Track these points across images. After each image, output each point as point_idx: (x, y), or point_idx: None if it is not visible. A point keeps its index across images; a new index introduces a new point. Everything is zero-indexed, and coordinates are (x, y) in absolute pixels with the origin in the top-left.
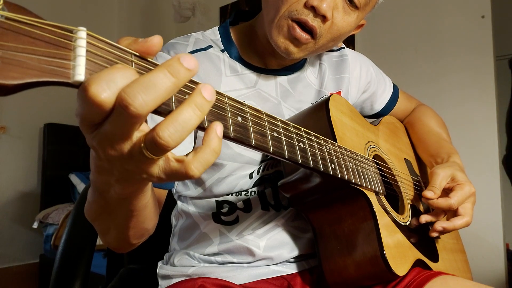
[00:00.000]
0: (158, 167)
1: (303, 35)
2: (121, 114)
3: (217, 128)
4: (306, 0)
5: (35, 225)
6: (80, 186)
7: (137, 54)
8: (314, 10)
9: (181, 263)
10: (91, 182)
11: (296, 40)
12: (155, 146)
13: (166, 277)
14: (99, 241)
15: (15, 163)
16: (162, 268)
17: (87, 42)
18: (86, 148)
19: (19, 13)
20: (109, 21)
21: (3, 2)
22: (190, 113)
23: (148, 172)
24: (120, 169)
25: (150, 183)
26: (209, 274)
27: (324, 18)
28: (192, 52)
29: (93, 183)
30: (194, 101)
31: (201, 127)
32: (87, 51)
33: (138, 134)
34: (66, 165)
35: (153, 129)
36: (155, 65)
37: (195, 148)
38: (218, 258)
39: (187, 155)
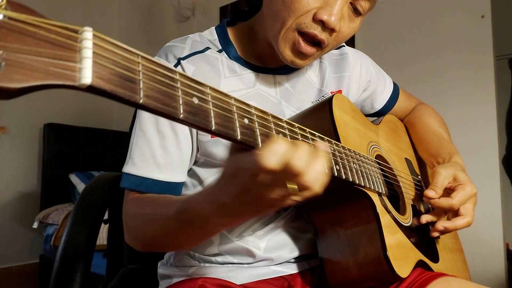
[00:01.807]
0: (288, 201)
1: (309, 50)
2: (289, 173)
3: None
4: (314, 14)
5: (35, 225)
6: (80, 186)
7: (144, 55)
8: (322, 23)
9: (182, 263)
10: (197, 215)
11: (302, 54)
12: (302, 187)
13: (166, 277)
14: (99, 241)
15: (15, 163)
16: (162, 268)
17: (93, 43)
18: (86, 148)
19: (23, 12)
20: (110, 21)
21: (6, 1)
22: (321, 164)
23: (284, 201)
24: (267, 202)
25: None
26: (210, 274)
27: (332, 31)
28: (189, 55)
29: (206, 214)
30: (320, 156)
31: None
32: (93, 52)
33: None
34: (66, 165)
35: (300, 177)
36: (164, 66)
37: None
38: (219, 258)
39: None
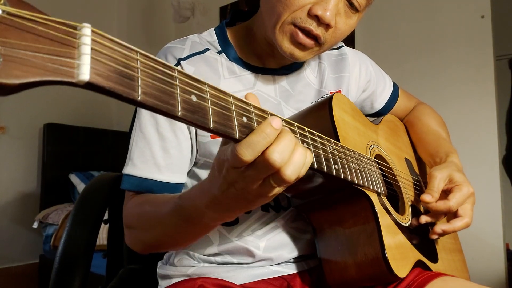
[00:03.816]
0: (274, 192)
1: (308, 41)
2: (266, 166)
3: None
4: (309, 9)
5: (35, 226)
6: (80, 186)
7: (142, 52)
8: (317, 18)
9: (181, 263)
10: (195, 208)
11: (301, 45)
12: (280, 180)
13: (166, 277)
14: (99, 241)
15: (15, 163)
16: (162, 268)
17: (92, 39)
18: (86, 148)
19: (22, 8)
20: (109, 21)
21: None
22: (299, 158)
23: (268, 194)
24: (253, 194)
25: None
26: (209, 274)
27: (327, 26)
28: (189, 56)
29: (205, 210)
30: (299, 149)
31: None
32: (91, 49)
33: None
34: (66, 165)
35: (279, 170)
36: (162, 64)
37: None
38: (218, 258)
39: None
